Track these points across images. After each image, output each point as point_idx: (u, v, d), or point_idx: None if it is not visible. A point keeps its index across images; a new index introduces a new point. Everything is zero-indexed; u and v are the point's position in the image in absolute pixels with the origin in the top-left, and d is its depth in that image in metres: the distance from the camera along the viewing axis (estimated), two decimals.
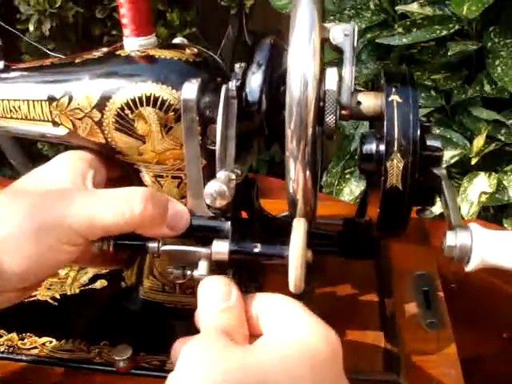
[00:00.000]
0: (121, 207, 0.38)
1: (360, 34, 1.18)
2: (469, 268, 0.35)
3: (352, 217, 0.50)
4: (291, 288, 0.39)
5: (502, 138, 0.95)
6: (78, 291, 0.56)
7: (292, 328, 0.35)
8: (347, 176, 1.17)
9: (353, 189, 1.16)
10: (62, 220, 0.37)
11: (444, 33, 0.97)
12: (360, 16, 1.14)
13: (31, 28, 1.51)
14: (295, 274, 0.37)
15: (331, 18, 1.17)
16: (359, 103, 0.42)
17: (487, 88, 0.98)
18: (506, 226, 1.05)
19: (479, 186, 0.95)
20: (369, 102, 0.42)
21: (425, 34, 0.98)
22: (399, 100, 0.35)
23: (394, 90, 0.35)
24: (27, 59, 1.71)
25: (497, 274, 0.68)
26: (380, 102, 0.40)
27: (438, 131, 1.04)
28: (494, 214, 1.06)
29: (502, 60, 0.94)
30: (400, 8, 1.04)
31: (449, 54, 0.92)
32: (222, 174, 0.38)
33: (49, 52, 1.72)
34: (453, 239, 0.36)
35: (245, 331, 0.37)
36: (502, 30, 0.97)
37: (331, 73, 0.42)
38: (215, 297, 0.38)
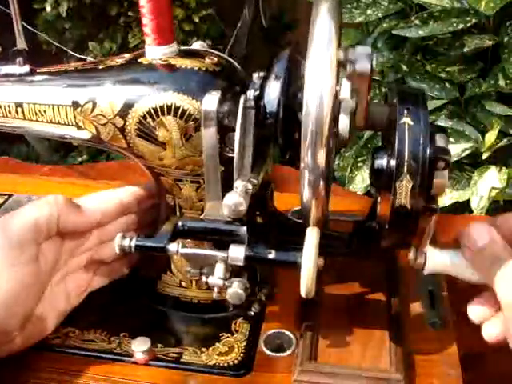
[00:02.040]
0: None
1: (376, 22, 1.19)
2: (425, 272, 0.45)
3: (362, 219, 0.52)
4: (303, 294, 0.41)
5: None
6: None
7: None
8: (359, 164, 1.18)
9: (365, 177, 1.18)
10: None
11: (461, 26, 0.98)
12: (377, 5, 1.14)
13: (48, 8, 1.52)
14: (307, 283, 0.39)
15: (348, 6, 1.17)
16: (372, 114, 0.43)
17: (502, 83, 0.98)
18: None
19: (490, 181, 0.96)
20: (382, 114, 0.43)
21: (441, 26, 0.98)
22: (410, 123, 0.36)
23: (406, 111, 0.37)
24: (43, 38, 1.72)
25: None
26: (392, 115, 0.41)
27: (450, 123, 1.04)
28: (503, 205, 1.07)
29: None
30: None
31: (464, 50, 0.92)
32: (239, 184, 0.40)
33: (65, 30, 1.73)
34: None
35: None
36: None
37: (346, 83, 0.43)
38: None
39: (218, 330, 0.52)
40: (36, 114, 0.48)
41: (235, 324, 0.52)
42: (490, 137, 0.96)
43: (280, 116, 0.43)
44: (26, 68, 0.49)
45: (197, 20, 1.59)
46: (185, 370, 0.48)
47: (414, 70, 1.09)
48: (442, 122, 1.05)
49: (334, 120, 0.41)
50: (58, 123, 0.48)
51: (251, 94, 0.43)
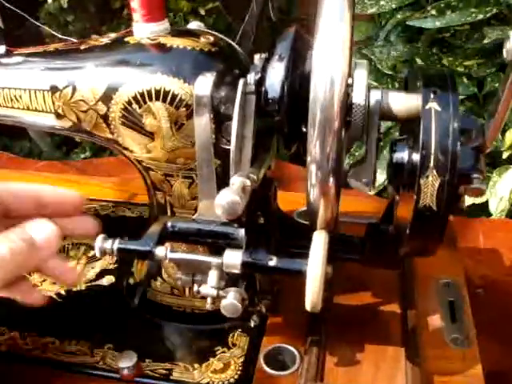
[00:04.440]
0: None
1: (390, 14, 1.13)
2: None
3: (376, 222, 0.46)
4: (308, 308, 0.35)
5: None
6: (84, 287, 0.53)
7: None
8: None
9: (377, 176, 1.12)
10: None
11: (480, 17, 0.92)
12: None
13: (50, 0, 1.48)
14: (312, 295, 0.34)
15: None
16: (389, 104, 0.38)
17: None
18: None
19: (510, 181, 0.90)
20: (400, 103, 0.38)
21: (460, 17, 0.93)
22: (438, 108, 0.30)
23: (432, 95, 0.31)
24: (46, 31, 1.68)
25: None
26: (413, 104, 0.36)
27: None
28: None
29: None
30: None
31: (484, 41, 0.86)
32: (235, 180, 0.35)
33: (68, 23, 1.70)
34: None
35: None
36: None
37: (361, 66, 0.38)
38: None
39: (213, 343, 0.46)
40: (11, 99, 0.43)
41: (232, 337, 0.47)
42: (511, 135, 0.90)
43: (284, 102, 0.38)
44: (2, 49, 0.44)
45: (203, 13, 1.55)
46: None
47: (430, 64, 1.04)
48: None
49: (347, 108, 0.35)
50: (36, 110, 0.42)
51: (252, 77, 0.38)
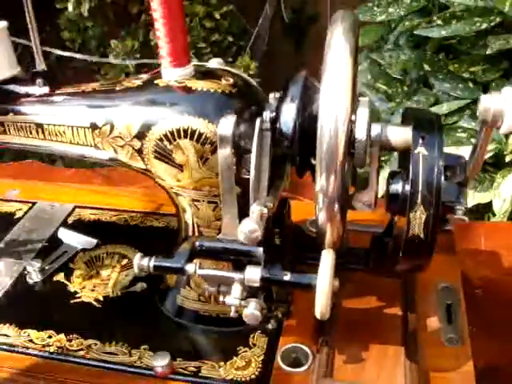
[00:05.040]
0: None
1: (398, 21, 1.17)
2: (502, 131, 0.37)
3: (380, 234, 0.52)
4: (317, 317, 0.41)
5: None
6: (119, 294, 0.59)
7: None
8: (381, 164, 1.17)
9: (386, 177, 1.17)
10: None
11: (484, 26, 0.96)
12: (399, 2, 1.13)
13: (70, 8, 1.53)
14: (321, 306, 0.40)
15: (369, 4, 1.16)
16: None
17: None
18: None
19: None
20: (398, 136, 0.43)
21: (464, 26, 0.97)
22: (425, 152, 0.36)
23: (421, 141, 0.36)
24: (66, 35, 1.75)
25: None
26: (409, 137, 0.41)
27: (473, 124, 1.03)
28: None
29: None
30: None
31: (487, 52, 0.91)
32: (255, 209, 0.41)
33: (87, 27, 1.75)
34: (487, 101, 0.36)
35: None
36: None
37: (363, 104, 0.43)
38: None
39: (236, 343, 0.53)
40: (56, 134, 0.49)
41: (253, 338, 0.53)
42: None
43: (296, 138, 0.44)
44: (46, 89, 0.50)
45: (218, 16, 1.59)
46: None
47: (437, 70, 1.08)
48: (465, 122, 1.04)
49: (349, 143, 0.41)
50: (78, 144, 0.49)
51: (267, 115, 0.44)
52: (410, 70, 1.16)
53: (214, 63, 0.51)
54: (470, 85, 1.06)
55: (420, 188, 0.36)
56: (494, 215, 0.98)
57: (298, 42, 1.85)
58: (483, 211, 1.05)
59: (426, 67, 1.09)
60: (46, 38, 1.65)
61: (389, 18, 1.11)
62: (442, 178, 0.35)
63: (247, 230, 0.39)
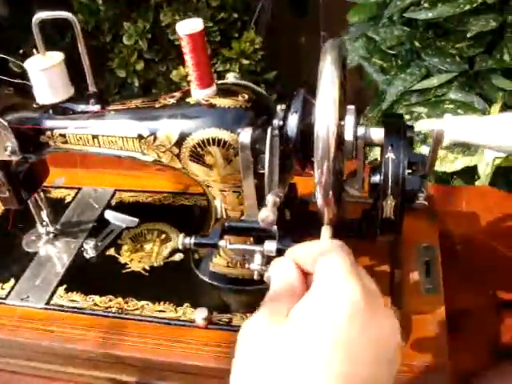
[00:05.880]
0: None
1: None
2: (444, 144, 0.49)
3: (368, 208, 0.65)
4: None
5: None
6: (162, 263, 0.74)
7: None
8: None
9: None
10: None
11: (467, 7, 1.06)
12: None
13: None
14: None
15: None
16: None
17: (506, 57, 1.07)
18: None
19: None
20: (377, 135, 0.55)
21: (449, 8, 1.07)
22: (393, 157, 0.49)
23: (390, 148, 0.49)
24: (80, 18, 1.84)
25: (499, 238, 0.83)
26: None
27: (460, 95, 1.14)
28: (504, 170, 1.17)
29: None
30: None
31: (468, 35, 1.01)
32: (269, 199, 0.54)
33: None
34: (432, 125, 0.51)
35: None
36: None
37: (350, 112, 0.56)
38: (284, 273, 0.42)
39: (259, 299, 0.66)
40: (109, 143, 0.62)
41: None
42: (495, 110, 1.06)
43: (298, 141, 0.56)
44: (98, 107, 0.62)
45: None
46: (235, 331, 0.63)
47: (426, 46, 1.18)
48: (453, 94, 1.15)
49: (340, 143, 0.53)
50: (127, 150, 0.62)
51: (276, 124, 0.57)
52: (403, 45, 1.26)
53: (231, 77, 0.64)
54: (457, 59, 1.16)
55: (389, 183, 0.48)
56: (479, 178, 1.10)
57: (300, 12, 1.93)
58: (471, 174, 1.17)
59: (417, 44, 1.19)
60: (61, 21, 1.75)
61: None
62: (406, 173, 0.48)
63: (264, 216, 0.52)
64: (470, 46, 1.13)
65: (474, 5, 1.05)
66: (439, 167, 1.14)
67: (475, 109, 1.11)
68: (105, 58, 1.84)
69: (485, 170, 1.07)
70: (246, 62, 1.63)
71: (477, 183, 1.10)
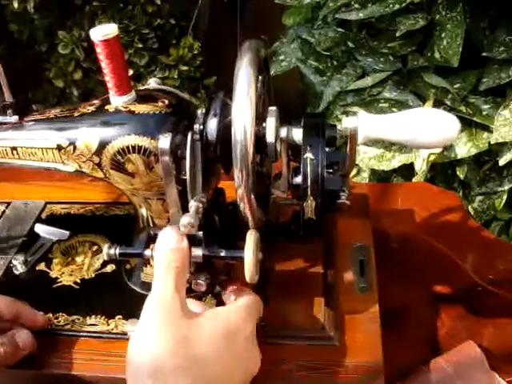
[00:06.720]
0: None
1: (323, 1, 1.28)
2: (359, 142, 0.50)
3: (297, 211, 0.65)
4: (248, 281, 0.54)
5: (449, 103, 1.08)
6: (93, 275, 0.71)
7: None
8: None
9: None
10: None
11: (397, 7, 1.08)
12: None
13: (16, 5, 1.58)
14: (249, 273, 0.52)
15: None
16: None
17: (437, 55, 1.09)
18: (457, 173, 1.20)
19: None
20: (299, 135, 0.55)
21: (379, 8, 1.09)
22: (312, 157, 0.48)
23: (308, 148, 0.49)
24: (14, 27, 1.78)
25: (434, 234, 0.84)
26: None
27: (394, 94, 1.16)
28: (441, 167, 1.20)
29: (448, 33, 1.05)
30: None
31: (397, 34, 1.03)
32: (192, 205, 0.53)
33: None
34: (346, 123, 0.51)
35: (186, 276, 0.51)
36: (450, 4, 1.07)
37: (272, 113, 0.55)
38: (170, 239, 0.51)
39: None
40: (29, 155, 0.60)
41: (205, 300, 0.66)
42: (428, 106, 1.08)
43: (219, 144, 0.55)
44: (16, 118, 0.60)
45: (159, 2, 1.66)
46: None
47: (360, 47, 1.20)
48: (387, 92, 1.17)
49: (258, 146, 0.53)
50: (48, 161, 0.60)
51: (197, 128, 0.56)
52: (339, 46, 1.28)
53: (152, 82, 0.62)
54: (390, 58, 1.18)
55: (309, 183, 0.48)
56: (416, 175, 1.12)
57: (238, 18, 1.93)
58: (408, 171, 1.19)
59: (351, 45, 1.21)
60: None
61: (314, 1, 1.22)
62: (325, 173, 0.48)
63: (186, 222, 0.51)
64: (402, 45, 1.15)
65: (403, 4, 1.07)
66: (378, 166, 1.15)
67: (409, 106, 1.13)
68: (41, 68, 1.79)
69: (421, 167, 1.09)
70: (184, 68, 1.61)
71: (414, 180, 1.12)
